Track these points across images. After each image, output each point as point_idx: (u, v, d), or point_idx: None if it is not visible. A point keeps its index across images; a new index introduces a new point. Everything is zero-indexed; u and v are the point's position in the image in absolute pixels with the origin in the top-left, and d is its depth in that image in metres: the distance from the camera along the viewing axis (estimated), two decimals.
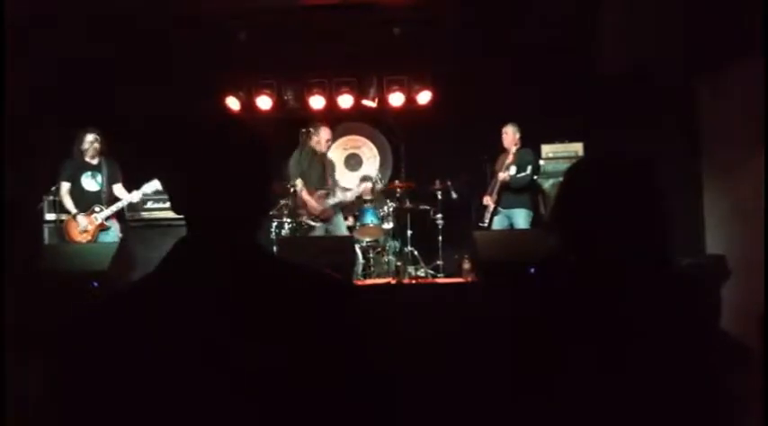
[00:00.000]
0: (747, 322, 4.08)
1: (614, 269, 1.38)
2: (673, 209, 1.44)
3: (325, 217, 6.51)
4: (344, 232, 6.60)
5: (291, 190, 6.51)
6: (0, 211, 4.70)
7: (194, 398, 1.08)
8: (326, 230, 6.51)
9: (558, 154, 7.12)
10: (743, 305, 4.63)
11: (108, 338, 1.14)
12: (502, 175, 6.64)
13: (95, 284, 4.69)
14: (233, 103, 7.74)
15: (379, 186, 6.85)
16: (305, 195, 6.47)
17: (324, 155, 6.75)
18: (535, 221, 6.60)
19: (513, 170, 6.61)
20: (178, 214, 1.25)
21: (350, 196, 6.77)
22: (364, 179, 7.33)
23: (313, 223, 6.48)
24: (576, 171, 1.52)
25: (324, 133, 6.64)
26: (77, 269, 4.94)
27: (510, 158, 6.69)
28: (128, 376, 1.10)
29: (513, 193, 6.63)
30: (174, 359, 1.10)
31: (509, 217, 6.65)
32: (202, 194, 1.21)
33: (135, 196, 6.15)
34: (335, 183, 6.92)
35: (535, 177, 6.69)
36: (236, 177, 1.21)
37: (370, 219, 6.89)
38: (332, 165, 6.98)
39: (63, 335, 1.20)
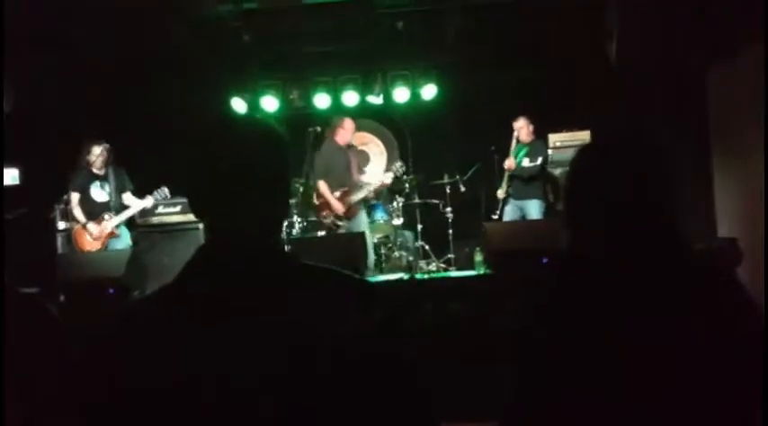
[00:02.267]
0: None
1: (634, 259, 1.36)
2: (684, 190, 1.42)
3: (350, 215, 6.39)
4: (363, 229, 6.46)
5: (315, 190, 6.40)
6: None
7: (222, 404, 1.09)
8: (349, 229, 6.36)
9: (566, 142, 7.10)
10: (756, 287, 4.63)
11: (134, 347, 1.14)
12: (507, 163, 6.65)
13: (111, 291, 4.72)
14: (239, 105, 7.77)
15: (399, 173, 6.65)
16: (328, 195, 6.33)
17: (349, 147, 6.64)
18: (547, 211, 6.61)
19: (525, 161, 6.62)
20: (197, 217, 1.24)
21: (372, 189, 6.54)
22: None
23: (339, 222, 6.35)
24: (580, 160, 1.48)
25: (347, 124, 6.51)
26: (92, 277, 4.97)
27: (521, 149, 6.70)
28: (156, 384, 1.10)
29: (525, 184, 6.63)
30: (200, 368, 1.10)
31: (521, 208, 6.65)
32: (222, 194, 1.19)
33: (146, 203, 6.18)
34: (362, 175, 6.73)
35: (545, 167, 6.68)
36: (257, 175, 1.19)
37: (379, 216, 6.90)
38: (359, 157, 6.80)
39: (90, 343, 1.21)
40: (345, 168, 6.47)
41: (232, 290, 1.14)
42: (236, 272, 1.17)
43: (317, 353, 1.11)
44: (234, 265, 1.17)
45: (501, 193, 6.78)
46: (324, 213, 6.39)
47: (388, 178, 6.56)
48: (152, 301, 1.27)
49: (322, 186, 6.34)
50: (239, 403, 1.08)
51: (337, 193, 6.35)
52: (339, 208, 6.30)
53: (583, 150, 1.50)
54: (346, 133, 6.51)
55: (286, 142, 1.26)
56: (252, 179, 1.19)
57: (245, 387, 1.09)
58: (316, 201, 6.49)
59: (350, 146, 6.65)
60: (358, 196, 6.41)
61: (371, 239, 6.53)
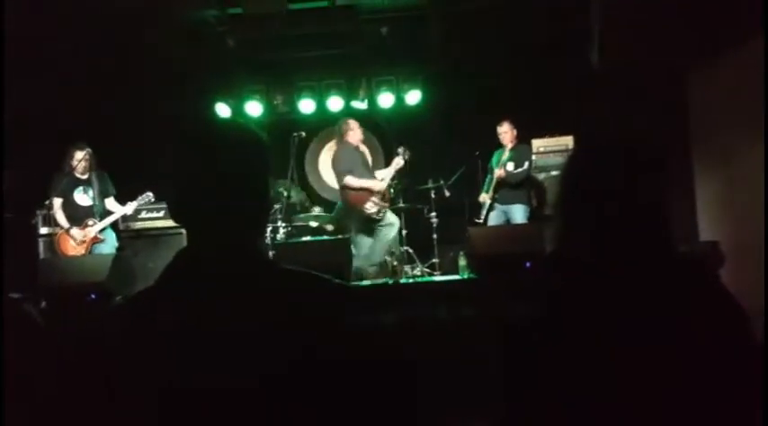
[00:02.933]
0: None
1: (624, 262, 1.36)
2: (671, 193, 1.43)
3: (387, 200, 6.52)
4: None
5: (345, 188, 6.45)
6: None
7: (202, 406, 1.09)
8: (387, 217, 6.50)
9: (549, 148, 7.15)
10: (737, 291, 4.66)
11: (115, 351, 1.14)
12: (498, 172, 6.66)
13: (93, 296, 4.68)
14: (223, 110, 7.75)
15: (407, 156, 6.64)
16: (366, 182, 6.38)
17: (359, 147, 6.73)
18: (531, 215, 6.64)
19: (510, 166, 6.63)
20: (177, 222, 1.24)
21: (389, 176, 6.63)
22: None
23: (382, 206, 6.40)
24: (571, 164, 1.50)
25: (354, 124, 6.60)
26: (74, 282, 4.93)
27: (506, 154, 6.72)
28: (133, 389, 1.10)
29: (511, 189, 6.66)
30: (179, 372, 1.10)
31: (506, 213, 6.67)
32: (201, 198, 1.19)
33: (128, 208, 6.17)
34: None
35: (530, 172, 6.71)
36: (236, 179, 1.20)
37: None
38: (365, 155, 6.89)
39: (68, 349, 1.20)
40: (365, 165, 6.62)
41: (212, 294, 1.15)
42: (215, 276, 1.17)
43: (295, 356, 1.11)
44: (213, 269, 1.18)
45: (486, 198, 6.79)
46: (367, 205, 6.37)
47: (400, 162, 6.60)
48: (132, 305, 1.27)
49: (352, 180, 6.38)
50: (219, 406, 1.08)
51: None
52: (381, 186, 6.40)
53: (574, 154, 1.54)
54: (355, 133, 6.61)
55: (266, 146, 1.27)
56: (231, 183, 1.20)
57: (225, 390, 1.09)
58: (350, 199, 6.49)
59: (359, 146, 6.72)
60: (384, 186, 6.52)
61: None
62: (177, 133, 1.25)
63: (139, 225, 6.88)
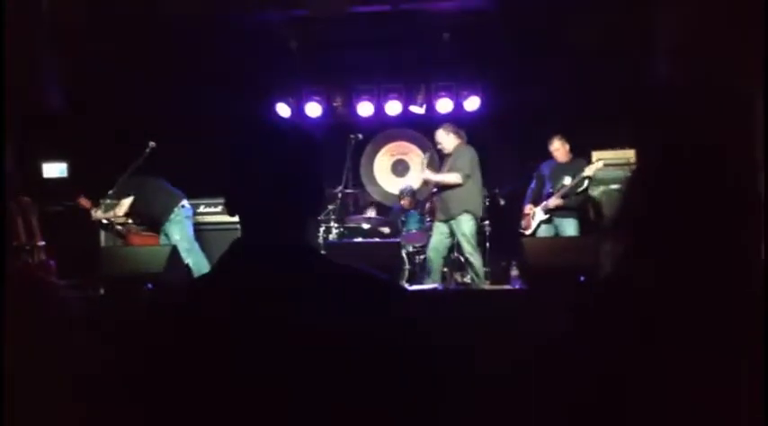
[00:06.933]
0: None
1: (695, 293, 1.22)
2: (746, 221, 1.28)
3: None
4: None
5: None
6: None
7: (247, 402, 1.10)
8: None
9: (610, 160, 6.95)
10: None
11: (164, 339, 1.17)
12: (554, 201, 6.44)
13: (150, 286, 4.80)
14: (283, 110, 7.87)
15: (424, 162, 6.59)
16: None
17: (447, 155, 6.40)
18: (583, 229, 6.48)
19: (567, 180, 6.45)
20: (230, 214, 1.28)
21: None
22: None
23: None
24: (644, 178, 1.37)
25: (437, 136, 6.35)
26: (133, 272, 5.05)
27: (561, 172, 6.53)
28: (182, 380, 1.12)
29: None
30: (229, 363, 1.12)
31: (557, 227, 6.51)
32: (253, 192, 1.24)
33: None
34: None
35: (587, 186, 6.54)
36: (286, 175, 1.24)
37: (415, 225, 6.88)
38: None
39: (119, 339, 1.23)
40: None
41: (262, 284, 1.17)
42: (265, 267, 1.20)
43: (341, 350, 1.12)
44: (263, 259, 1.21)
45: (532, 209, 6.65)
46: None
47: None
48: (183, 294, 1.30)
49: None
50: (264, 396, 1.10)
51: None
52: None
53: (641, 168, 1.41)
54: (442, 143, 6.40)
55: (318, 144, 1.30)
56: (282, 178, 1.23)
57: (272, 381, 1.10)
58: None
59: (447, 155, 6.43)
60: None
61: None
62: (235, 130, 1.29)
63: (198, 218, 6.97)
